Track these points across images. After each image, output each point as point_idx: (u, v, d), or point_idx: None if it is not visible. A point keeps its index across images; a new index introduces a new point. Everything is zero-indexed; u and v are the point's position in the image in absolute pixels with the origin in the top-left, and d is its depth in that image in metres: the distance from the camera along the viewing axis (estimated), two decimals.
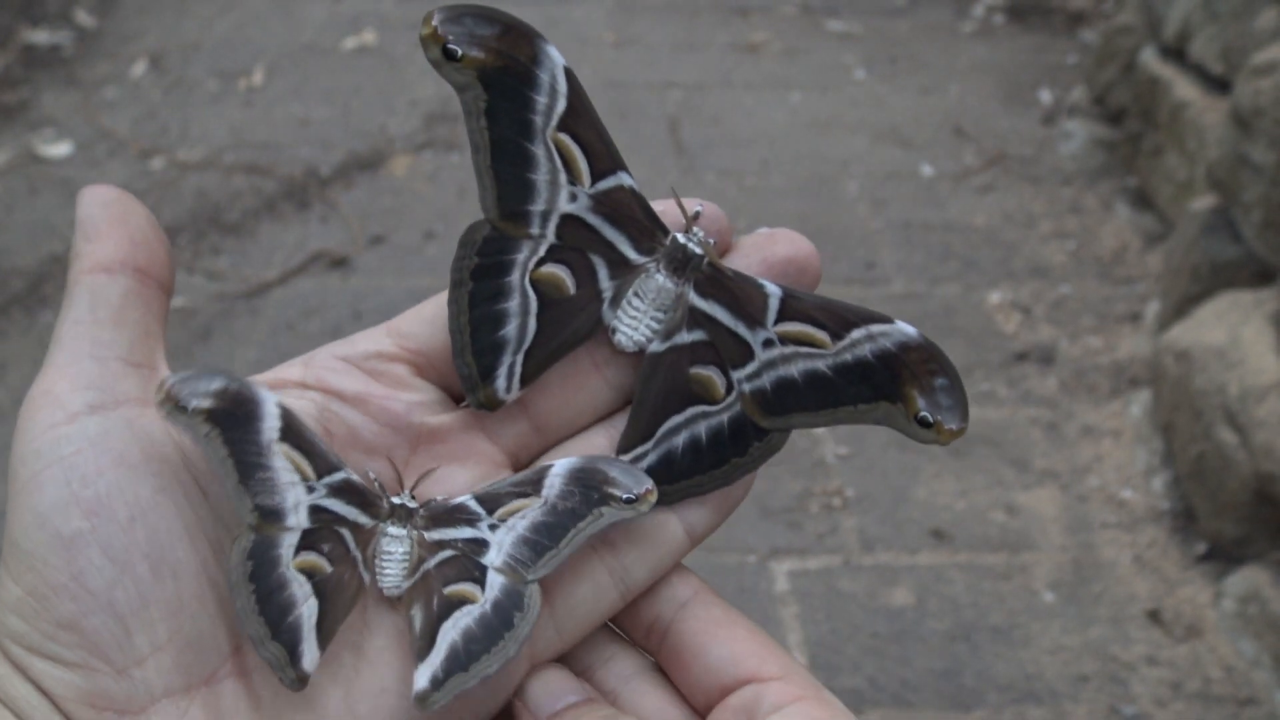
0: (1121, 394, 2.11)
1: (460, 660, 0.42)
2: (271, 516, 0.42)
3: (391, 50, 3.34)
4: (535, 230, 0.45)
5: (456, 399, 0.47)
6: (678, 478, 0.45)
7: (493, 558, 0.44)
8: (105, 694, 0.39)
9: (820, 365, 0.45)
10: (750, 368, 0.46)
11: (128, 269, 0.43)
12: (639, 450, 0.45)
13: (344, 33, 3.44)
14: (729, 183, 2.68)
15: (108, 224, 0.44)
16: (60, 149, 2.83)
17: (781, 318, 0.45)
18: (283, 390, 0.45)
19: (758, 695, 0.43)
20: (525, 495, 0.44)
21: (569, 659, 0.46)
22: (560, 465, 0.44)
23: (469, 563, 0.44)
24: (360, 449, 0.45)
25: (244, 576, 0.41)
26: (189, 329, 2.23)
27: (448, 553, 0.44)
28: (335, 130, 2.93)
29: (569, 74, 0.44)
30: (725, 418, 0.46)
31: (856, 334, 0.45)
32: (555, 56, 0.44)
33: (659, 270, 0.46)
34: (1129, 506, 1.89)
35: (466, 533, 0.44)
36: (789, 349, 0.45)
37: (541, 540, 0.44)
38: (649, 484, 0.44)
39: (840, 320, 0.45)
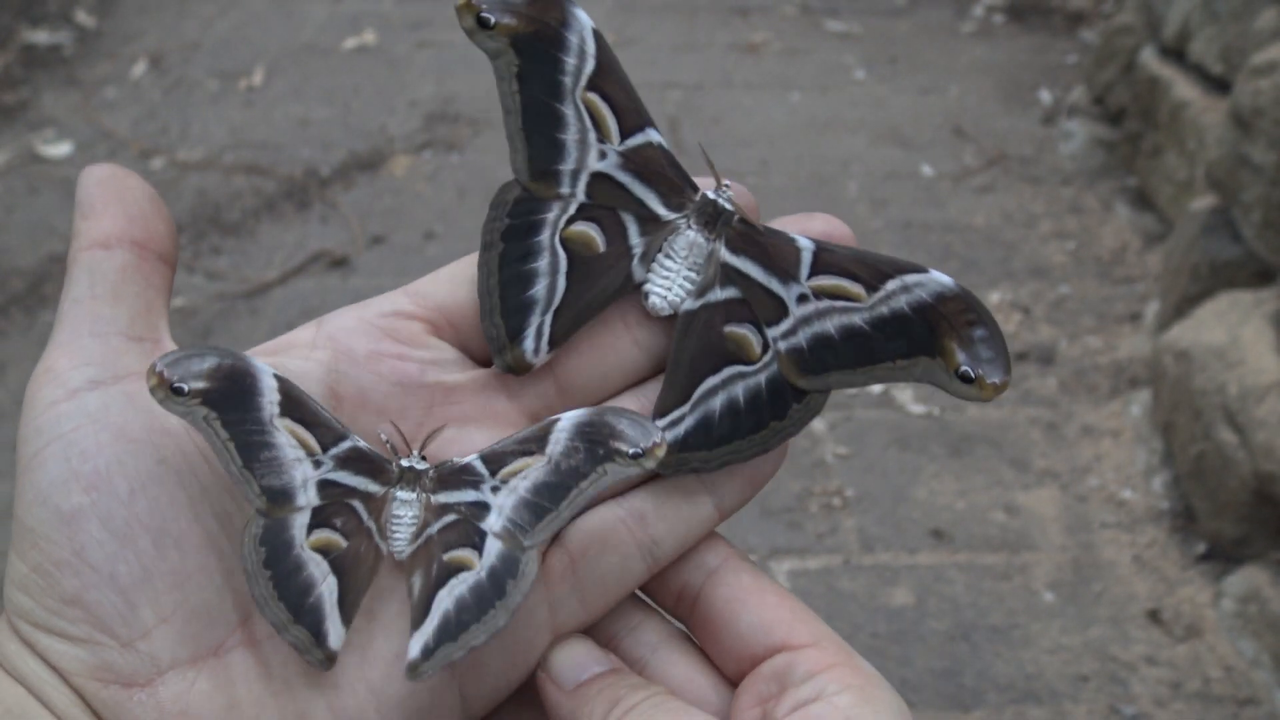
0: (1121, 394, 2.11)
1: (451, 629, 0.40)
2: (280, 498, 0.41)
3: (391, 50, 3.34)
4: (565, 190, 0.45)
5: (475, 359, 0.46)
6: (717, 443, 0.44)
7: (492, 522, 0.42)
8: (111, 667, 0.39)
9: (856, 320, 0.44)
10: (785, 325, 0.44)
11: (124, 243, 0.43)
12: (676, 414, 0.44)
13: (344, 33, 3.44)
14: None
15: (103, 200, 0.43)
16: (60, 149, 2.83)
17: (815, 271, 0.44)
18: (290, 352, 0.44)
19: (790, 663, 0.42)
20: (529, 453, 0.42)
21: (592, 628, 0.45)
22: (567, 419, 0.43)
23: (470, 527, 0.42)
24: (370, 411, 0.44)
25: (258, 564, 0.40)
26: (189, 329, 2.23)
27: (451, 517, 0.43)
28: (335, 130, 2.93)
29: (597, 35, 0.44)
30: (763, 378, 0.44)
31: (892, 285, 0.43)
32: (583, 18, 0.44)
33: (689, 226, 0.45)
34: (1129, 506, 1.89)
35: (470, 495, 0.43)
36: (824, 303, 0.44)
37: (542, 503, 0.42)
38: (658, 437, 0.42)
39: (875, 272, 0.44)
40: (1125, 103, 2.81)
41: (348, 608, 0.41)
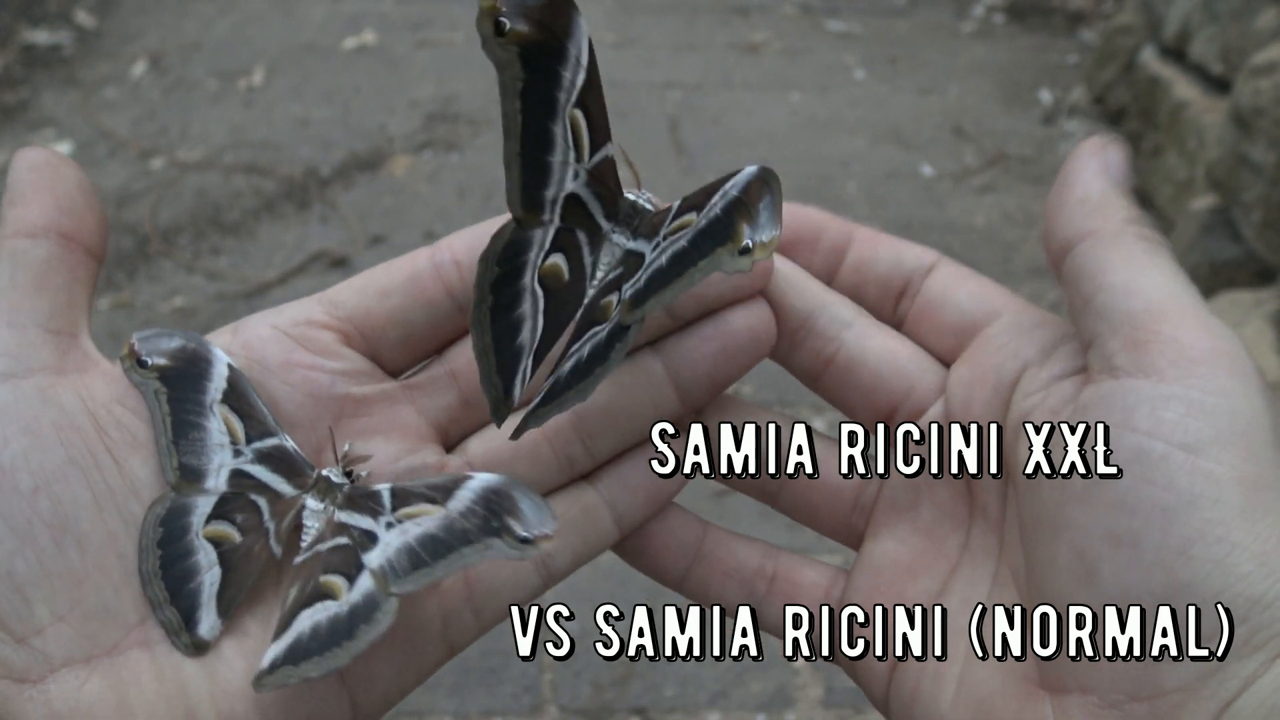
0: None
1: (297, 653, 0.40)
2: (192, 475, 0.42)
3: (391, 50, 3.34)
4: (546, 216, 0.43)
5: (385, 369, 0.45)
6: (549, 400, 0.42)
7: (373, 557, 0.42)
8: (4, 662, 0.39)
9: (683, 242, 0.41)
10: (637, 274, 0.42)
11: (51, 234, 0.42)
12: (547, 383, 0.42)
13: (344, 33, 3.44)
14: None
15: (34, 188, 0.43)
16: (60, 149, 2.83)
17: (674, 218, 0.42)
18: None
19: (1019, 322, 0.43)
20: (433, 501, 0.42)
21: (781, 311, 0.44)
22: (478, 481, 0.42)
23: (354, 556, 0.42)
24: (280, 420, 0.44)
25: (153, 541, 0.41)
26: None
27: (343, 540, 0.43)
28: (335, 130, 2.93)
29: (589, 43, 0.43)
30: (605, 331, 0.42)
31: (715, 198, 0.41)
32: (583, 27, 0.42)
33: (614, 231, 0.44)
34: None
35: (366, 523, 0.43)
36: (666, 241, 0.42)
37: (422, 555, 0.41)
38: (550, 528, 0.40)
39: (709, 193, 0.41)
40: (1125, 103, 2.81)
41: (226, 601, 0.42)
